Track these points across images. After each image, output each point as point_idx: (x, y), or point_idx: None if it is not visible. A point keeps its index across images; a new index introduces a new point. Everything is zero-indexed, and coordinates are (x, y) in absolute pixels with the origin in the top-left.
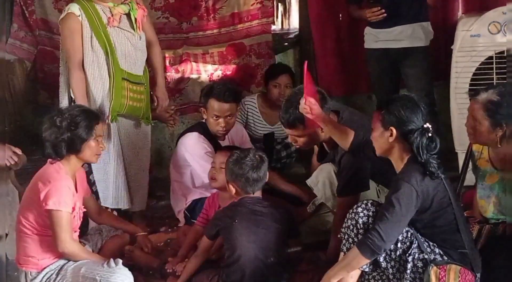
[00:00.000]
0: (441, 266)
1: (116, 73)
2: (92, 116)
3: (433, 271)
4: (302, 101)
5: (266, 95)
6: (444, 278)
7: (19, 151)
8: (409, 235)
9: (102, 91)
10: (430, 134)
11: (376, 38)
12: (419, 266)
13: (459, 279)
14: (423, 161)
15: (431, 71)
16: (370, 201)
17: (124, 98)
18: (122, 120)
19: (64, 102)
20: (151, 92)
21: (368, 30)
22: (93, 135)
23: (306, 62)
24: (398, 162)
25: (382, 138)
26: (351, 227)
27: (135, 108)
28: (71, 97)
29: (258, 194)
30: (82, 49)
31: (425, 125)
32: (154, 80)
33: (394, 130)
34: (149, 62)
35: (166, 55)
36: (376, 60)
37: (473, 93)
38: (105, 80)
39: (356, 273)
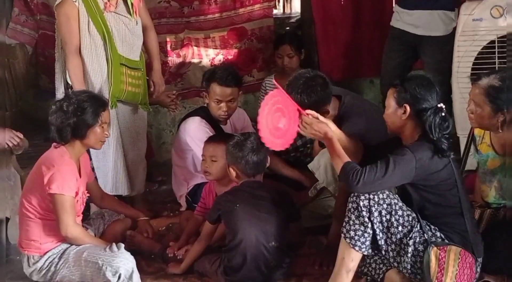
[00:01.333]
0: (441, 247)
1: (114, 58)
2: (99, 103)
3: (433, 251)
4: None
5: (281, 72)
6: (444, 259)
7: (20, 135)
8: (410, 219)
9: (100, 77)
10: (443, 114)
11: (398, 17)
12: (420, 250)
13: (459, 260)
14: (434, 139)
15: (449, 60)
16: None
17: (123, 84)
18: (120, 106)
19: (60, 90)
20: (147, 78)
21: (395, 7)
22: (99, 121)
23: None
24: (409, 139)
25: (395, 115)
26: (352, 210)
27: (134, 94)
28: (68, 83)
29: (258, 178)
30: (79, 35)
31: (439, 105)
32: (150, 65)
33: (408, 108)
34: (145, 47)
35: (168, 39)
36: (393, 38)
37: (475, 77)
38: (103, 66)
39: (357, 257)
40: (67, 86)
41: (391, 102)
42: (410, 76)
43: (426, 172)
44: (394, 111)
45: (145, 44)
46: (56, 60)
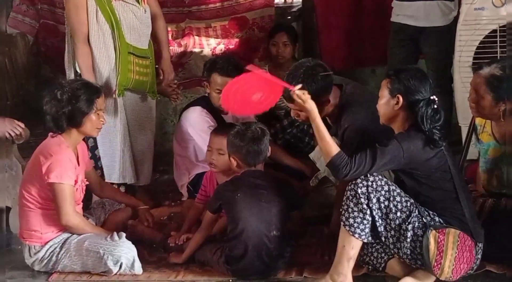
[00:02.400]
0: (440, 230)
1: (122, 47)
2: (92, 90)
3: (432, 234)
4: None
5: (274, 63)
6: (443, 242)
7: (22, 125)
8: (408, 205)
9: (108, 66)
10: (435, 106)
11: (397, 11)
12: (419, 235)
13: (458, 243)
14: (426, 130)
15: (451, 50)
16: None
17: (131, 73)
18: (128, 94)
19: (71, 78)
20: (156, 66)
21: (394, 3)
22: (93, 109)
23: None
24: (400, 130)
25: (387, 106)
26: (350, 197)
27: (142, 83)
28: (77, 71)
29: (259, 167)
30: (88, 24)
31: (431, 97)
32: (159, 53)
33: (401, 98)
34: (154, 35)
35: (169, 29)
36: (395, 34)
37: (476, 67)
38: (111, 55)
39: (357, 244)
40: (76, 74)
41: (384, 92)
42: (404, 68)
43: (416, 160)
44: (387, 102)
45: (154, 32)
46: (65, 48)
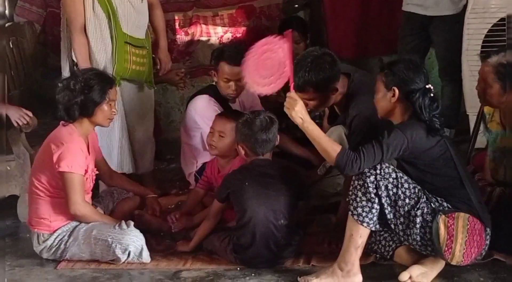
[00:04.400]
0: (449, 215)
1: (118, 37)
2: (106, 80)
3: (441, 219)
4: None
5: None
6: (452, 226)
7: (30, 113)
8: (416, 191)
9: (105, 56)
10: (432, 95)
11: (408, 0)
12: (429, 220)
13: (468, 226)
14: (426, 119)
15: (459, 38)
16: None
17: (127, 63)
18: (125, 84)
19: (66, 68)
20: (153, 55)
21: None
22: (106, 99)
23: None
24: (399, 122)
25: (384, 99)
26: (358, 187)
27: (138, 72)
28: (74, 61)
29: (267, 156)
30: (84, 13)
31: (427, 86)
32: (156, 43)
33: (397, 90)
34: (151, 25)
35: (176, 17)
36: (405, 23)
37: (484, 55)
38: (108, 44)
39: (365, 233)
40: (73, 64)
41: (380, 86)
42: (397, 60)
43: (419, 149)
44: (384, 95)
45: (151, 22)
46: (62, 39)
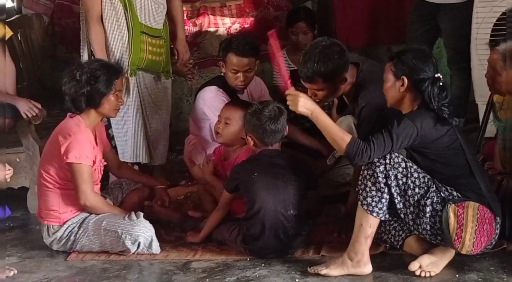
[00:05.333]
0: (459, 204)
1: (134, 27)
2: (112, 71)
3: (451, 208)
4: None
5: (294, 46)
6: (462, 215)
7: (39, 105)
8: (426, 180)
9: (121, 45)
10: (441, 84)
11: None
12: (438, 209)
13: (478, 215)
14: (435, 108)
15: (468, 27)
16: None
17: (143, 52)
18: (141, 74)
19: (84, 57)
20: (171, 46)
21: None
22: (112, 90)
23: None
24: (408, 111)
25: (393, 89)
26: (368, 176)
27: (155, 62)
28: (91, 51)
29: (276, 146)
30: (101, 3)
31: (436, 75)
32: (174, 33)
33: (406, 80)
34: (169, 15)
35: (184, 8)
36: (414, 10)
37: (493, 44)
38: (124, 34)
39: (375, 223)
40: (91, 54)
41: (389, 76)
42: (406, 49)
43: (428, 139)
44: (393, 84)
45: (169, 12)
46: (80, 29)
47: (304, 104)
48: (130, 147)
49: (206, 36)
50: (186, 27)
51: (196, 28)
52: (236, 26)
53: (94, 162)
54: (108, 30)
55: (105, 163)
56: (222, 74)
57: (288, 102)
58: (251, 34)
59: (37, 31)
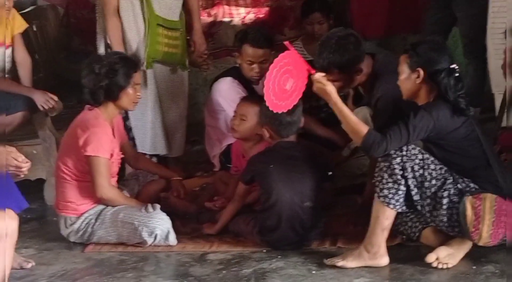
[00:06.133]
0: (476, 195)
1: (151, 19)
2: (130, 64)
3: (468, 200)
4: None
5: (309, 36)
6: (480, 207)
7: (55, 97)
8: (443, 172)
9: (137, 38)
10: (457, 75)
11: None
12: (455, 201)
13: (495, 207)
14: (451, 99)
15: (483, 16)
16: None
17: (160, 45)
18: (158, 66)
19: (101, 49)
20: (188, 37)
21: None
22: (131, 83)
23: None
24: (424, 103)
25: (409, 81)
26: (385, 168)
27: (171, 55)
28: (108, 43)
29: (292, 138)
30: None
31: (451, 66)
32: (190, 25)
33: (422, 71)
34: (185, 7)
35: None
36: None
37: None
38: (140, 27)
39: (392, 215)
40: (107, 46)
41: (404, 68)
42: (421, 41)
43: (445, 130)
44: (408, 77)
45: (185, 3)
46: (97, 21)
47: (332, 88)
48: (148, 138)
49: (220, 26)
50: (201, 17)
51: (211, 19)
52: (251, 16)
53: (111, 155)
54: (125, 23)
55: (122, 156)
56: (237, 65)
57: (315, 88)
58: (265, 24)
59: (52, 23)
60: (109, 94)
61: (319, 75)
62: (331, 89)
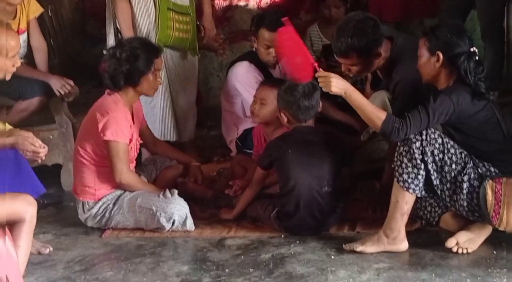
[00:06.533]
0: (496, 180)
1: (161, 3)
2: (152, 50)
3: (489, 184)
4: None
5: (326, 19)
6: (500, 191)
7: (71, 82)
8: (463, 156)
9: (148, 22)
10: (477, 58)
11: None
12: (476, 186)
13: None
14: (471, 83)
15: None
16: None
17: (170, 29)
18: (168, 52)
19: (110, 34)
20: (198, 22)
21: None
22: (151, 69)
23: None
24: (444, 87)
25: (429, 64)
26: (404, 153)
27: (182, 40)
28: (117, 28)
29: (310, 123)
30: None
31: (471, 49)
32: (200, 9)
33: (441, 55)
34: None
35: None
36: None
37: None
38: (151, 11)
39: (411, 199)
40: (117, 31)
41: (423, 51)
42: (439, 24)
43: (465, 114)
44: (427, 60)
45: None
46: (106, 4)
47: (337, 84)
48: (158, 124)
49: (236, 10)
50: (216, 2)
51: (227, 3)
52: (267, 0)
53: (130, 140)
54: (135, 7)
55: (141, 141)
56: (254, 49)
57: (320, 84)
58: (281, 8)
59: (67, 7)
60: (129, 79)
61: (322, 73)
62: (344, 85)
